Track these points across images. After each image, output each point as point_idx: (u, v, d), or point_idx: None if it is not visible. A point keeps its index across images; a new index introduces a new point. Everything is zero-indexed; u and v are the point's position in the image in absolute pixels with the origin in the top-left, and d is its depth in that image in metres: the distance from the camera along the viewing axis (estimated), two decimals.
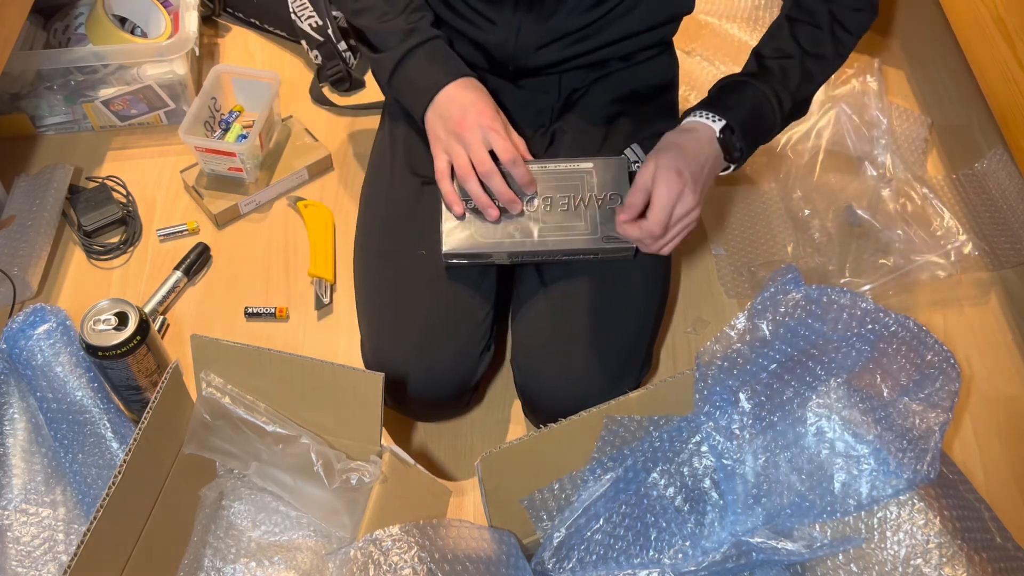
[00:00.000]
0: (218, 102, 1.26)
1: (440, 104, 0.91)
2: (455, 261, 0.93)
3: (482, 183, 0.90)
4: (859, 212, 1.23)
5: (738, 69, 0.93)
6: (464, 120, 0.89)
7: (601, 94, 1.03)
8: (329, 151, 1.28)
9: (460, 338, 0.93)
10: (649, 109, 1.05)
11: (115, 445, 0.91)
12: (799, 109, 0.93)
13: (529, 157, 0.94)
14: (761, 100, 0.89)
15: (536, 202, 0.93)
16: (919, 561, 0.71)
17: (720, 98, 0.90)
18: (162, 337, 1.10)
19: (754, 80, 0.90)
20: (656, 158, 0.86)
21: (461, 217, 0.92)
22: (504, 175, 0.90)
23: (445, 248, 0.91)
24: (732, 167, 0.92)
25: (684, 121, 0.91)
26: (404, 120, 1.05)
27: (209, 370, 0.83)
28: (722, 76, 0.94)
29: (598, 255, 0.93)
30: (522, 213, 0.92)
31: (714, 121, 0.88)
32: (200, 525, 0.88)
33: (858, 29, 0.92)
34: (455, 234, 0.92)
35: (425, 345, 0.92)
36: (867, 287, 1.17)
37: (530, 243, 0.91)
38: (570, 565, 0.81)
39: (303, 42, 1.39)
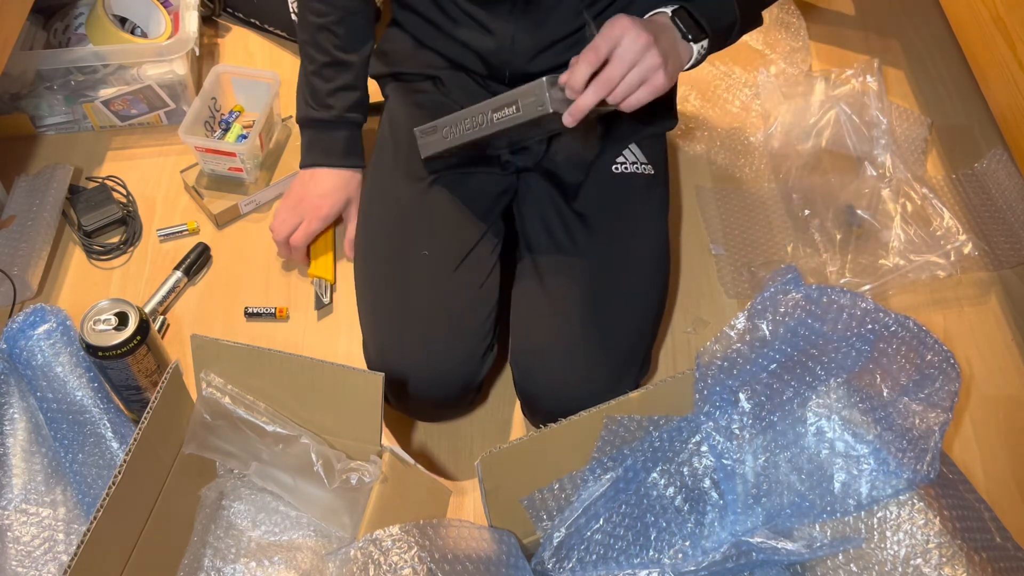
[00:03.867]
0: (218, 102, 1.26)
1: (305, 175, 1.10)
2: (424, 139, 0.99)
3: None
4: (859, 212, 1.23)
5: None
6: (301, 202, 1.09)
7: None
8: None
9: (464, 338, 0.94)
10: (647, 108, 1.05)
11: (115, 445, 0.91)
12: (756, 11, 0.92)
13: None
14: None
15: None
16: (919, 561, 0.71)
17: None
18: (162, 337, 1.10)
19: None
20: (621, 20, 0.82)
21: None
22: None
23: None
24: (694, 57, 0.89)
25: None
26: (405, 122, 1.05)
27: (209, 370, 0.83)
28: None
29: (533, 121, 0.88)
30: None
31: (667, 4, 0.87)
32: (200, 525, 0.88)
33: None
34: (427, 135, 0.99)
35: (429, 346, 0.92)
36: (867, 287, 1.17)
37: (482, 127, 0.91)
38: (570, 565, 0.81)
39: None
